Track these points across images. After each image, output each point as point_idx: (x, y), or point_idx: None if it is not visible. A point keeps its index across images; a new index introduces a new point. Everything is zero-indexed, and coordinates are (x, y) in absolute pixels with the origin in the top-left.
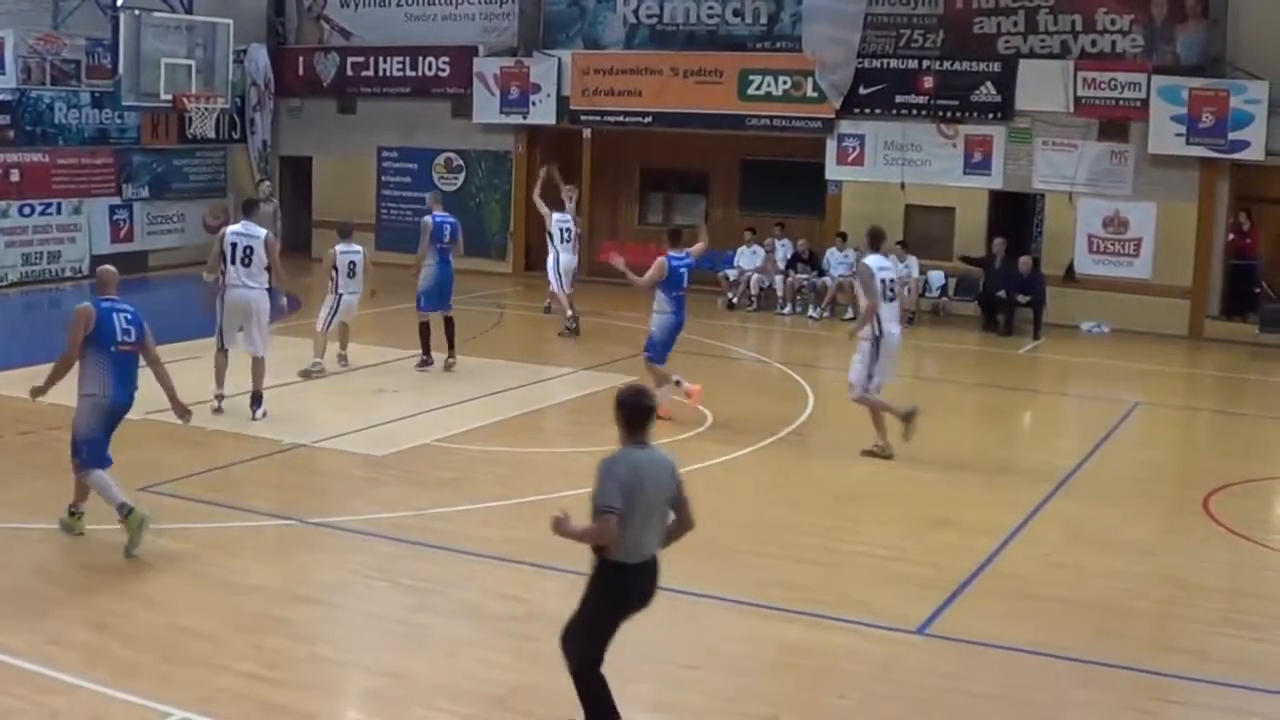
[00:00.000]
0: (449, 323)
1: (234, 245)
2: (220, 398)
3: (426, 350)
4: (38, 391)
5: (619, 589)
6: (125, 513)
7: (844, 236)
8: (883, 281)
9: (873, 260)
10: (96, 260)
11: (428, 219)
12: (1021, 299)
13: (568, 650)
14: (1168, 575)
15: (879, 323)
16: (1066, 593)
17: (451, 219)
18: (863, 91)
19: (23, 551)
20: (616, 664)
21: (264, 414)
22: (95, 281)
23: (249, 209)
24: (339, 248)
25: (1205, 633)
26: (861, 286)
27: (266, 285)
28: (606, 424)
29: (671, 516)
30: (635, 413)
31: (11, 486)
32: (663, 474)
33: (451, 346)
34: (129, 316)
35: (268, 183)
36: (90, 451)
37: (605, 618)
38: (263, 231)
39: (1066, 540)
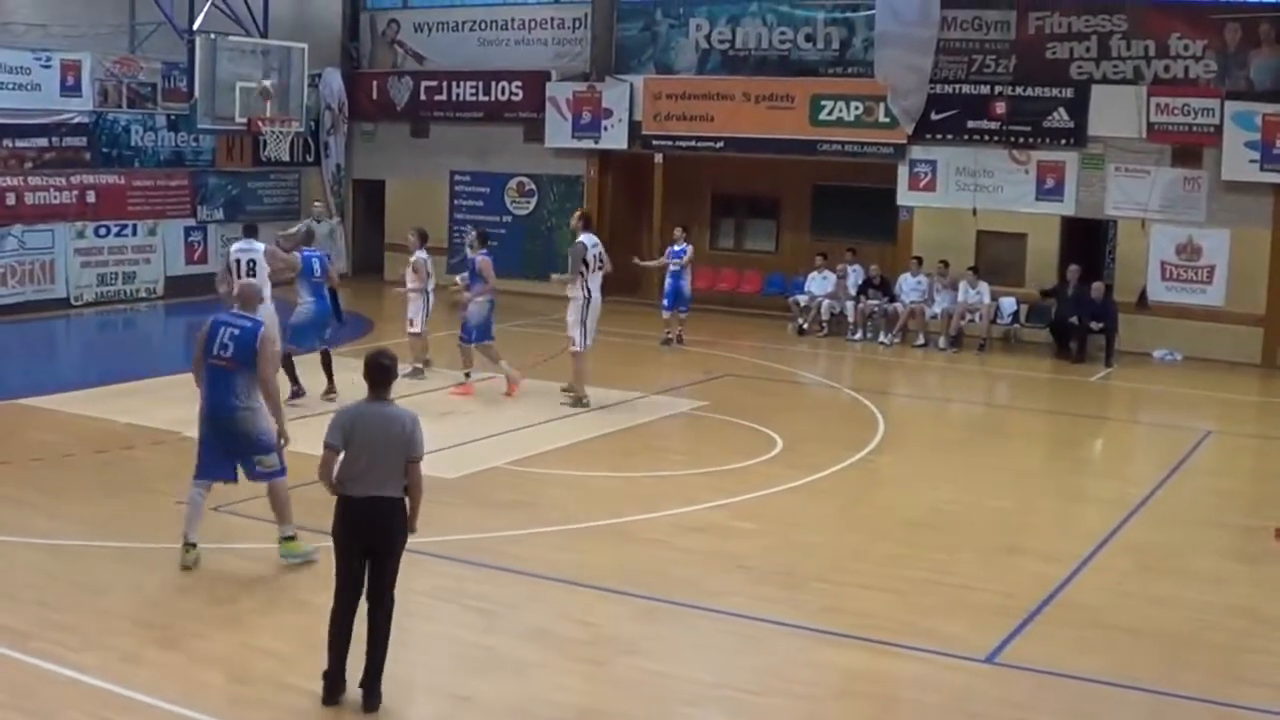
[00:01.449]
0: (326, 356)
1: (238, 261)
2: None
3: (296, 380)
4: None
5: (338, 518)
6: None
7: (919, 261)
8: (595, 256)
9: (586, 239)
10: (171, 281)
11: (295, 255)
12: (1094, 326)
13: None
14: (1240, 606)
15: (589, 289)
16: (1138, 622)
17: (320, 254)
18: (934, 117)
19: (96, 569)
20: (684, 690)
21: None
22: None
23: (250, 230)
24: (235, 246)
25: (1279, 665)
26: (573, 258)
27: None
28: (680, 449)
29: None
30: (371, 370)
31: (86, 504)
32: (391, 427)
33: (330, 379)
34: (234, 332)
35: (318, 203)
36: (197, 461)
37: (335, 547)
38: (261, 246)
39: (1138, 569)
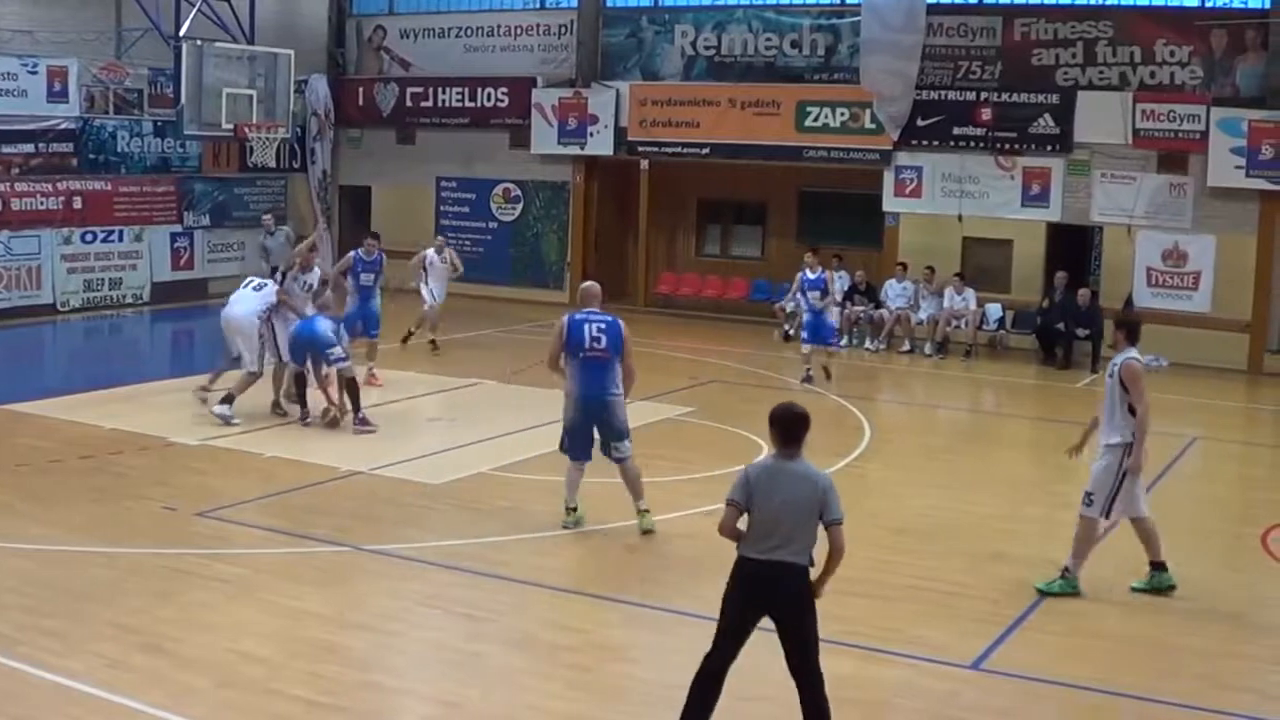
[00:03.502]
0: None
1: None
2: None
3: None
4: None
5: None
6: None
7: (904, 266)
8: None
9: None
10: (157, 287)
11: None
12: (1080, 332)
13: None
14: (1226, 612)
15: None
16: (1124, 629)
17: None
18: (920, 123)
19: (82, 575)
20: (671, 697)
21: (222, 416)
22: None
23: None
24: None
25: (1263, 671)
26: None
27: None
28: (667, 455)
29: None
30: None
31: (72, 510)
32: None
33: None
34: (600, 326)
35: (268, 216)
36: (568, 444)
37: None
38: (307, 278)
39: (1123, 575)
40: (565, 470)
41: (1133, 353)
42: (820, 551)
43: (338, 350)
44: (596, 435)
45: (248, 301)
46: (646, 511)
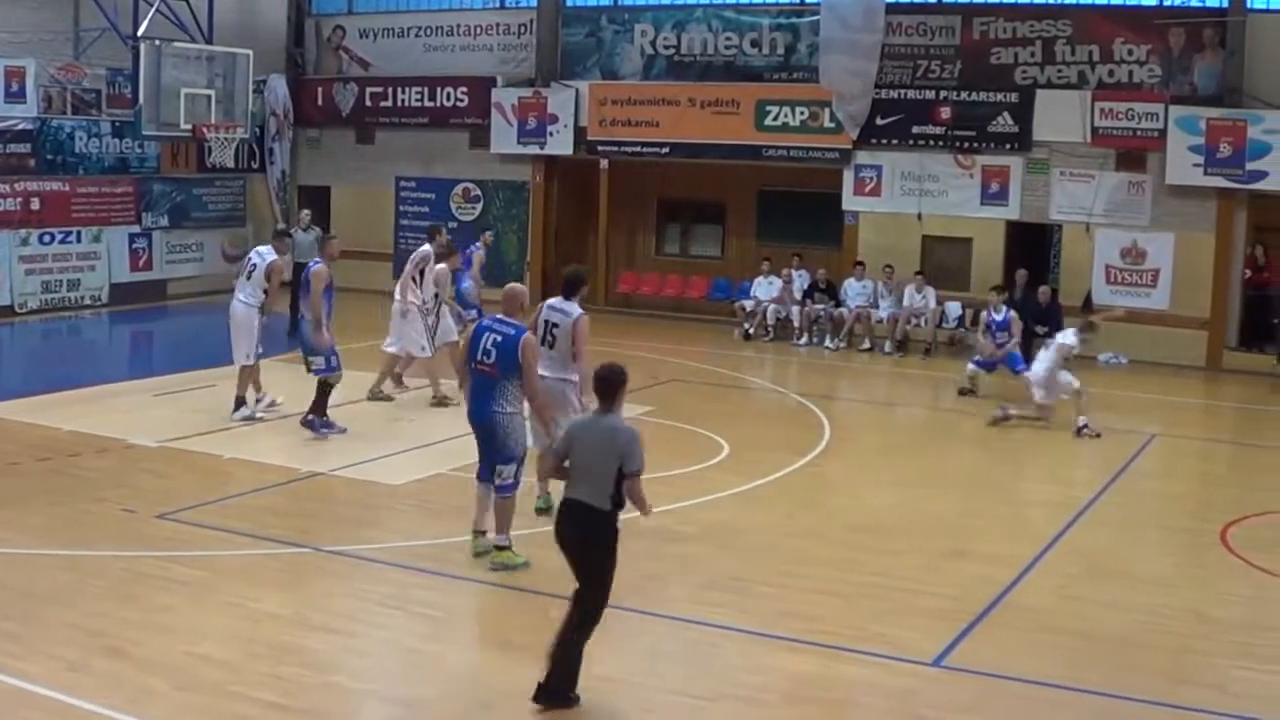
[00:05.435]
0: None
1: (247, 260)
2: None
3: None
4: None
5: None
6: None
7: (862, 265)
8: (254, 266)
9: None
10: (115, 289)
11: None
12: (1039, 330)
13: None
14: (1186, 608)
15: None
16: (1084, 625)
17: (311, 265)
18: (880, 122)
19: (40, 578)
20: (634, 696)
21: (243, 417)
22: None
23: (276, 236)
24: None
25: (1224, 666)
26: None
27: (258, 303)
28: None
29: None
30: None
31: (29, 513)
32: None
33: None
34: (496, 339)
35: (307, 211)
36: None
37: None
38: (273, 255)
39: (1084, 572)
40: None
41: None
42: None
43: (319, 361)
44: None
45: (247, 290)
46: (503, 549)
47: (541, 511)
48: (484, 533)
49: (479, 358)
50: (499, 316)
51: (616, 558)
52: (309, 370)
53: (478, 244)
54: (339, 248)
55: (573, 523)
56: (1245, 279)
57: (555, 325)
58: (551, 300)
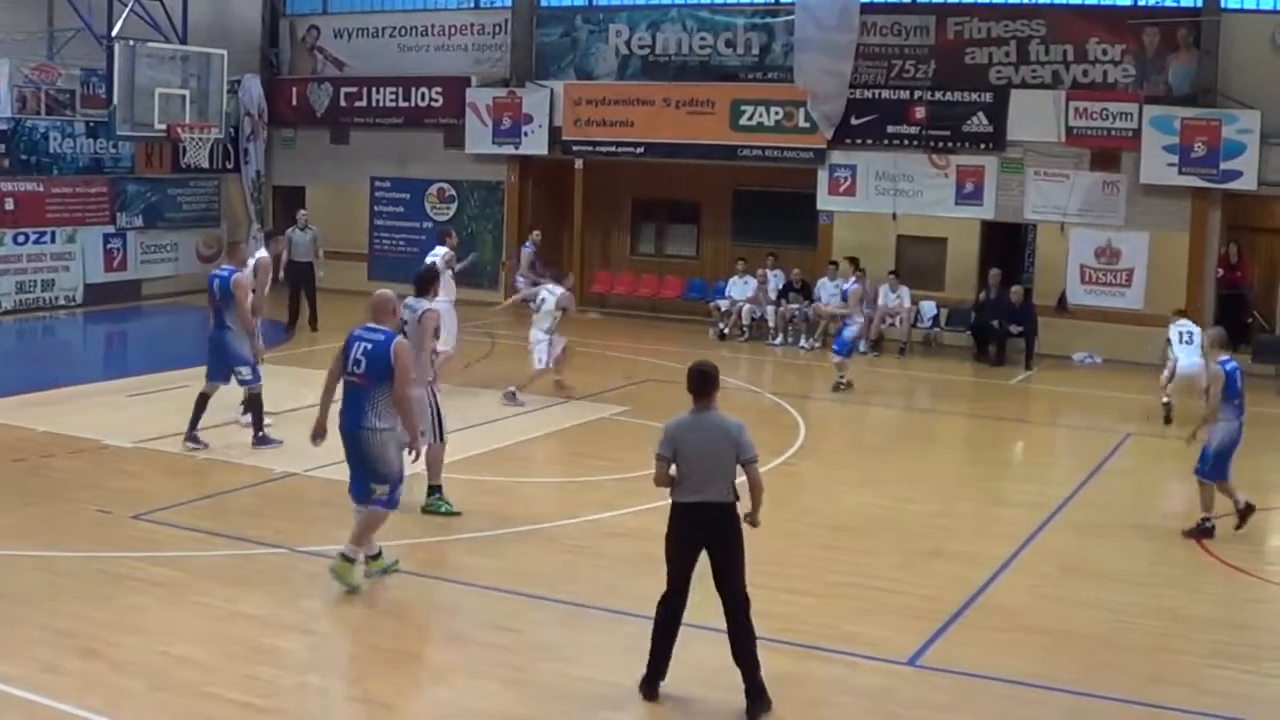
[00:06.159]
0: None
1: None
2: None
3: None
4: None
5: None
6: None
7: (836, 265)
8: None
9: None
10: (90, 289)
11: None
12: (1013, 329)
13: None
14: (1160, 607)
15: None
16: (1058, 624)
17: (221, 273)
18: (854, 122)
19: (15, 579)
20: (608, 696)
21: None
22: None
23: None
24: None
25: (1197, 665)
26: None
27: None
28: (598, 454)
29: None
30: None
31: (3, 513)
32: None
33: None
34: (366, 347)
35: (304, 211)
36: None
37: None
38: (261, 253)
39: (1058, 571)
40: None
41: None
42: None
43: (246, 371)
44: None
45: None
46: (350, 561)
47: (435, 512)
48: (378, 555)
49: (350, 368)
50: (368, 324)
51: None
52: (238, 381)
53: (529, 244)
54: (247, 253)
55: (708, 525)
56: (1218, 277)
57: (405, 321)
58: (407, 299)
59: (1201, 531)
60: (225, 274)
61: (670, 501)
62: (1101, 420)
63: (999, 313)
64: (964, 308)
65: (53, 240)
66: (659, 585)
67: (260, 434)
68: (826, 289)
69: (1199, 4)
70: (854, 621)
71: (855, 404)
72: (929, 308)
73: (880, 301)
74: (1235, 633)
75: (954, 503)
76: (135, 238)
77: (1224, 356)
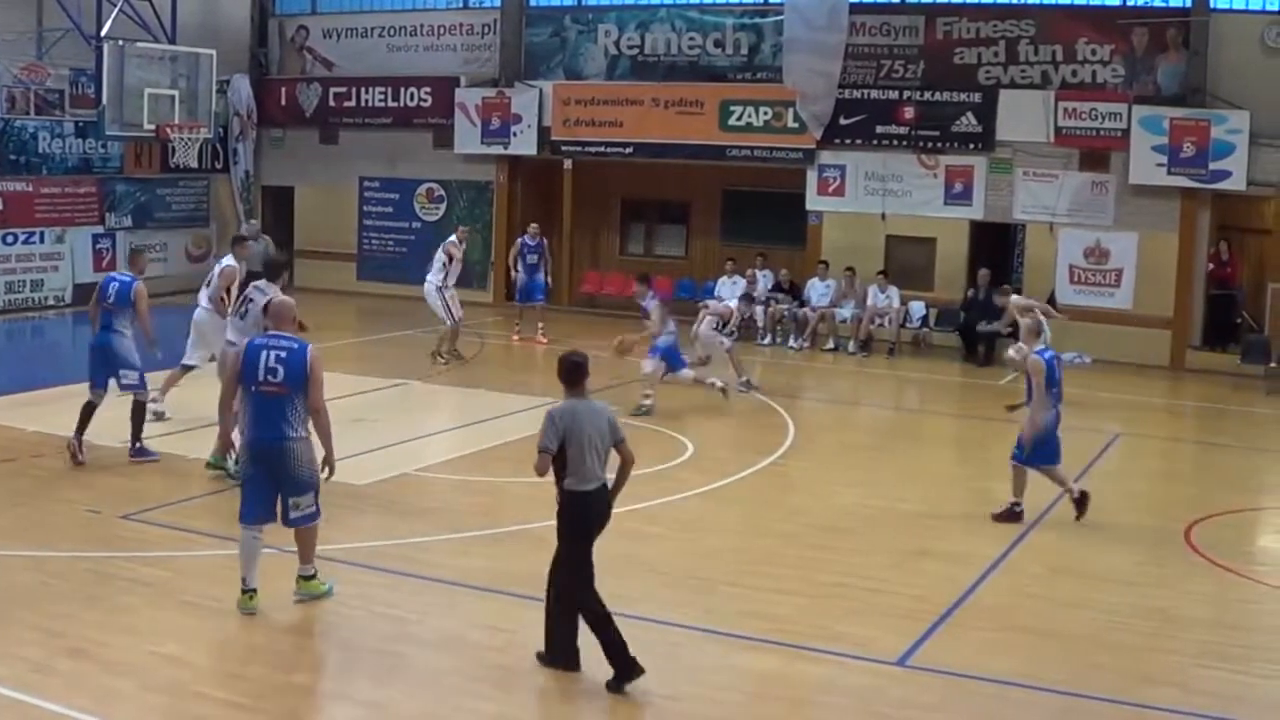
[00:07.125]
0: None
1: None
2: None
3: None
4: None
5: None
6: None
7: (826, 265)
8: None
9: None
10: (79, 289)
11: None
12: (1003, 330)
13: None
14: (1149, 607)
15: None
16: (1048, 624)
17: (120, 278)
18: (843, 122)
19: (4, 579)
20: (598, 696)
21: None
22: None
23: (234, 242)
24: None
25: (1187, 665)
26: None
27: (210, 306)
28: None
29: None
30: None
31: None
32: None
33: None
34: (280, 354)
35: (255, 221)
36: (242, 504)
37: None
38: (228, 261)
39: (1048, 572)
40: (240, 539)
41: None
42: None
43: (133, 376)
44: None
45: (202, 297)
46: (309, 578)
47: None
48: (255, 590)
49: (263, 378)
50: (272, 332)
51: None
52: (120, 386)
53: (653, 294)
54: (147, 261)
55: (603, 510)
56: (1209, 272)
57: (251, 300)
58: (257, 282)
59: (1010, 515)
60: (126, 280)
61: (566, 492)
62: (1090, 421)
63: (986, 313)
64: (953, 308)
65: (42, 240)
66: (650, 586)
67: (138, 445)
68: (816, 289)
69: (1188, 4)
70: (843, 621)
71: (844, 404)
72: (918, 308)
73: (869, 302)
74: (1225, 633)
75: (943, 502)
76: (124, 238)
77: (1040, 347)
